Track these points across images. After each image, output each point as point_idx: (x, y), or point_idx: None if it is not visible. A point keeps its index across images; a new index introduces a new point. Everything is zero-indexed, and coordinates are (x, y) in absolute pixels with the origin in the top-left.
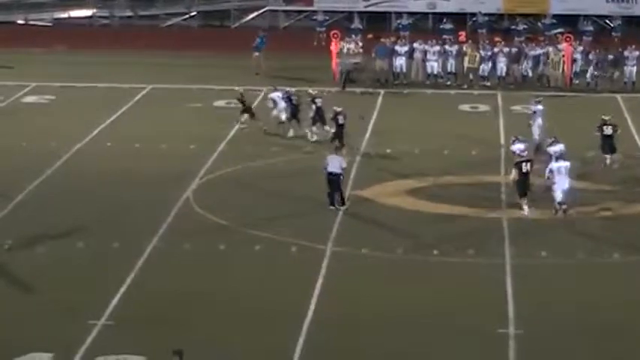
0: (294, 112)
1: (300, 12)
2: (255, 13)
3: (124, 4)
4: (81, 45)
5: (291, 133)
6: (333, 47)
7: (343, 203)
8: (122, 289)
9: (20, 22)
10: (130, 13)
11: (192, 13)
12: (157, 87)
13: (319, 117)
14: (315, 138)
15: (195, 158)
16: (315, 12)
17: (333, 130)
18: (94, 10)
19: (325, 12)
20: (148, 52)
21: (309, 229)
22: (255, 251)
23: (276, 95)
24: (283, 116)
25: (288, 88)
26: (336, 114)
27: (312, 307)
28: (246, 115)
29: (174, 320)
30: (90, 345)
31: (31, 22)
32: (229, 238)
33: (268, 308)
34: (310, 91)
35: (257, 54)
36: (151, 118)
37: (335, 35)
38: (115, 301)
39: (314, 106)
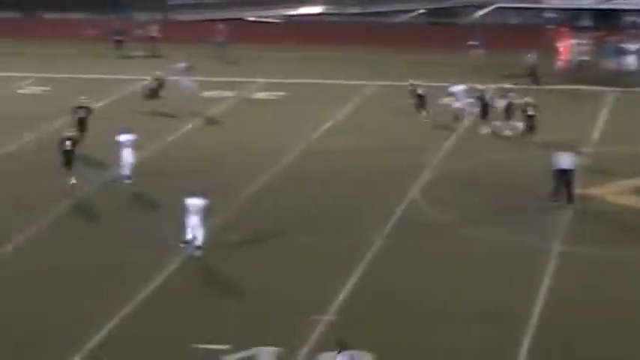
0: (485, 109)
1: (528, 9)
2: (484, 10)
3: (353, 1)
4: (310, 41)
5: (484, 130)
6: (561, 44)
7: (571, 201)
8: (347, 285)
9: (251, 18)
10: (358, 10)
11: (421, 11)
12: (379, 84)
13: (509, 113)
14: (509, 133)
15: (422, 156)
16: (543, 9)
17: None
18: (324, 7)
19: (554, 9)
20: (375, 48)
21: (536, 227)
22: (481, 250)
23: (459, 89)
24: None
25: (480, 86)
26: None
27: (538, 308)
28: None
29: (399, 316)
30: (315, 339)
31: (262, 19)
32: (456, 237)
33: (494, 308)
34: (505, 86)
35: (477, 50)
36: (377, 114)
37: (563, 33)
38: (340, 297)
39: (505, 101)
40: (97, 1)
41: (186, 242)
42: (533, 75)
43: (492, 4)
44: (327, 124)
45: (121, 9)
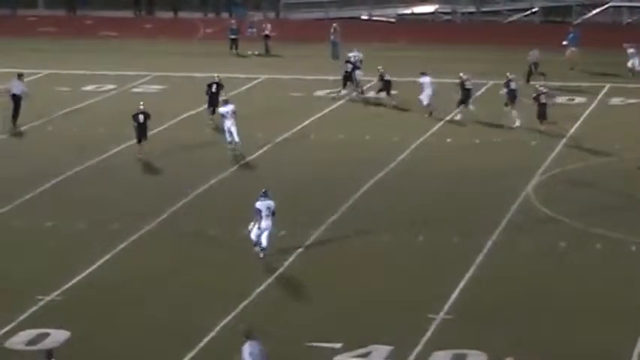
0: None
1: None
2: (598, 9)
3: (467, 0)
4: (423, 40)
5: (517, 123)
6: None
7: None
8: (462, 284)
9: (364, 17)
10: (472, 9)
11: (535, 9)
12: (496, 82)
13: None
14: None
15: (537, 153)
16: None
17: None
18: (437, 6)
19: None
20: (489, 47)
21: None
22: (595, 249)
23: (426, 80)
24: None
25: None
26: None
27: None
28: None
29: (513, 316)
30: (429, 338)
31: (375, 18)
32: (569, 235)
33: (607, 308)
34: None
35: (573, 49)
36: (490, 112)
37: None
38: (454, 296)
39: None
40: (212, 1)
41: (256, 244)
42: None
43: (606, 3)
44: (441, 122)
45: (235, 8)
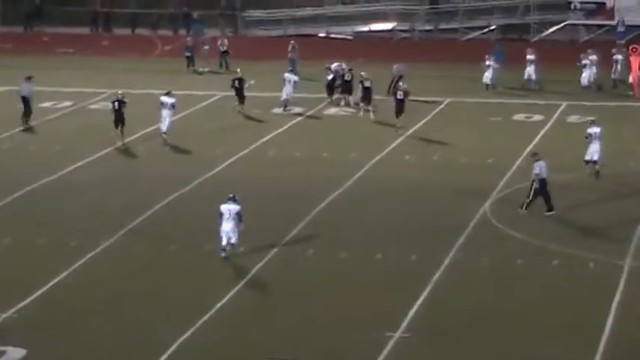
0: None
1: (600, 26)
2: (555, 27)
3: (424, 18)
4: (380, 57)
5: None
6: (633, 61)
7: None
8: (419, 301)
9: (322, 34)
10: (430, 27)
11: (492, 27)
12: (455, 100)
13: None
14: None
15: (493, 172)
16: (614, 26)
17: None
18: (395, 24)
19: (627, 26)
20: (446, 65)
21: (606, 244)
22: (552, 266)
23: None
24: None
25: None
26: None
27: (609, 324)
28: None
29: (471, 333)
30: (387, 356)
31: (332, 35)
32: (526, 253)
33: (564, 324)
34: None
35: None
36: (449, 131)
37: (634, 50)
38: (412, 313)
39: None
40: (170, 18)
41: (224, 249)
42: None
43: (563, 21)
44: (399, 140)
45: (193, 24)
